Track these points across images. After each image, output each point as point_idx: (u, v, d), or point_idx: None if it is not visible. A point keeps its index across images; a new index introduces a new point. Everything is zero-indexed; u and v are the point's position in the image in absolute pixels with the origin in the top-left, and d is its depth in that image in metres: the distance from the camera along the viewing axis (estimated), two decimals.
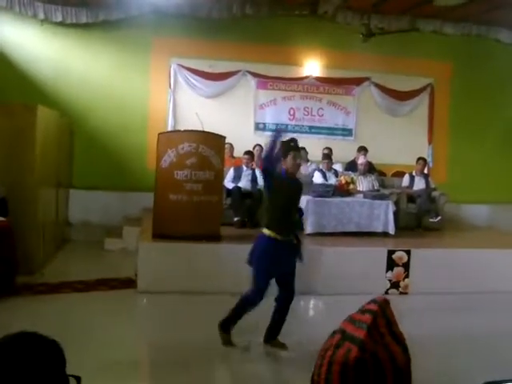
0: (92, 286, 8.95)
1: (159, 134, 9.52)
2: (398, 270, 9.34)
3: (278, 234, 6.15)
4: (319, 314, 8.81)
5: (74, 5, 13.13)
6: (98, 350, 6.21)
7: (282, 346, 6.45)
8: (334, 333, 1.71)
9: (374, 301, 1.74)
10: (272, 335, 6.47)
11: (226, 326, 6.38)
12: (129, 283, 8.88)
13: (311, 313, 8.95)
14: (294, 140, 6.47)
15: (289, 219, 6.37)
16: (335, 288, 8.85)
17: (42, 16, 12.96)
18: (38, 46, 13.33)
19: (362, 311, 1.71)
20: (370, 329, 1.64)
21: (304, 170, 13.04)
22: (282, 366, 6.52)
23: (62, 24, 13.23)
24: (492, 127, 15.51)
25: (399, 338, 1.67)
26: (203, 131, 9.67)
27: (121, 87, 13.74)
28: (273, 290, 6.37)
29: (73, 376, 1.71)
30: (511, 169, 15.61)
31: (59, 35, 13.42)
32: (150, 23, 13.56)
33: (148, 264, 8.63)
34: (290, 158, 6.33)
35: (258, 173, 11.69)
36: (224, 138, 9.69)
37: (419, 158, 13.05)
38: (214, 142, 9.45)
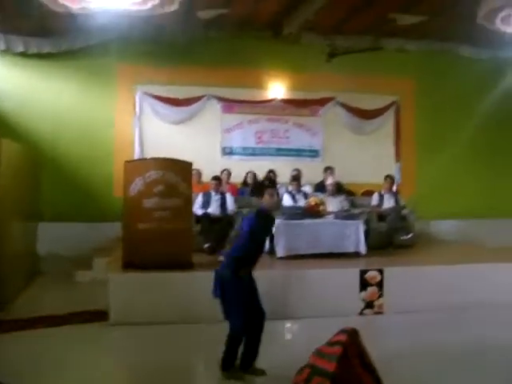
0: (64, 319, 8.74)
1: (126, 162, 9.44)
2: (372, 289, 9.28)
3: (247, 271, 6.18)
4: (294, 338, 8.70)
5: (35, 35, 13.06)
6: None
7: (261, 373, 6.31)
8: (302, 368, 1.66)
9: (342, 331, 1.71)
10: (247, 362, 6.34)
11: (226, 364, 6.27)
12: (101, 315, 8.71)
13: (286, 336, 8.85)
14: (268, 177, 6.52)
15: (260, 253, 6.35)
16: (309, 310, 8.78)
17: (2, 47, 12.87)
18: (0, 78, 13.18)
19: (331, 343, 1.68)
20: (340, 360, 1.61)
21: None
22: None
23: (23, 54, 13.16)
24: (458, 142, 15.63)
25: (370, 368, 1.64)
26: (169, 158, 9.57)
27: (86, 116, 13.69)
28: None
29: None
30: (478, 183, 15.74)
31: (21, 66, 13.36)
32: (113, 51, 13.57)
33: (119, 295, 8.47)
34: (267, 197, 6.37)
35: (227, 197, 11.65)
36: (191, 164, 9.61)
37: (387, 176, 13.05)
38: (181, 168, 9.36)
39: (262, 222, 6.28)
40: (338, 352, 1.48)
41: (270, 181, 13.43)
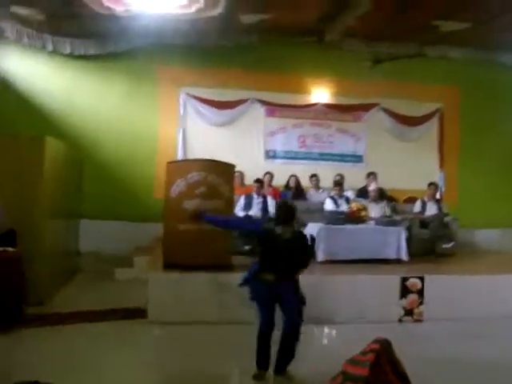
0: (102, 316, 8.83)
1: (168, 163, 9.46)
2: (412, 296, 9.18)
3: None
4: (332, 343, 8.65)
5: (81, 37, 13.24)
6: (108, 382, 6.10)
7: (290, 378, 6.26)
8: (335, 376, 1.64)
9: (375, 341, 1.68)
10: (279, 367, 6.29)
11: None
12: (139, 313, 8.76)
13: (324, 342, 8.80)
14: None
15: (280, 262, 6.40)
16: (348, 316, 8.72)
17: (50, 48, 13.09)
18: (47, 78, 13.48)
19: (364, 352, 1.65)
20: (372, 366, 1.57)
21: (315, 197, 13.01)
22: None
23: (70, 56, 13.34)
24: (502, 151, 15.43)
25: (403, 375, 1.61)
26: (212, 160, 9.57)
27: (130, 117, 13.79)
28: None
29: None
30: None
31: (68, 67, 13.56)
32: (157, 53, 13.66)
33: (158, 294, 8.51)
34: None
35: (269, 200, 11.64)
36: (233, 166, 9.62)
37: (430, 183, 12.95)
38: (224, 170, 9.37)
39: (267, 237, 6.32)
40: (370, 359, 1.47)
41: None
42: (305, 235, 6.49)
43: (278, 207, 6.69)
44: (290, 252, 6.18)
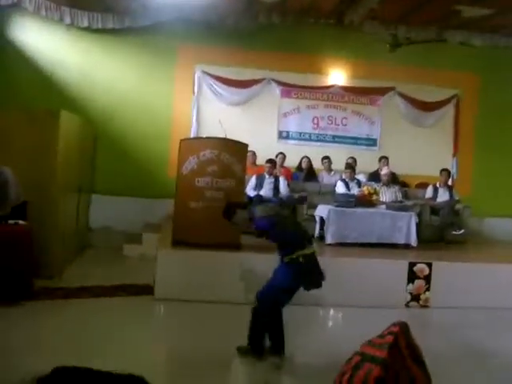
0: (110, 291, 8.92)
1: (181, 140, 9.47)
2: (419, 282, 9.21)
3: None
4: (338, 326, 8.70)
5: (100, 10, 13.20)
6: (114, 356, 6.14)
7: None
8: (351, 358, 1.66)
9: (394, 324, 1.70)
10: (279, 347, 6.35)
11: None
12: (147, 290, 8.82)
13: (330, 324, 8.84)
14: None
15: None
16: (355, 299, 8.74)
17: (68, 21, 13.04)
18: (64, 51, 13.41)
19: (382, 335, 1.67)
20: (391, 348, 1.59)
21: (327, 179, 13.01)
22: (299, 378, 6.39)
23: (87, 29, 13.30)
24: None
25: (420, 359, 1.63)
26: (225, 138, 9.59)
27: (145, 93, 13.77)
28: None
29: None
30: None
31: (85, 40, 13.50)
32: (175, 30, 13.55)
33: (166, 271, 8.57)
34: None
35: (281, 181, 11.66)
36: (246, 145, 9.63)
37: (443, 170, 12.93)
38: (236, 149, 9.38)
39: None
40: (389, 341, 1.49)
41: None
42: None
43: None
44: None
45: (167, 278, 8.54)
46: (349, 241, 10.44)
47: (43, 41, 13.28)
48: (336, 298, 8.70)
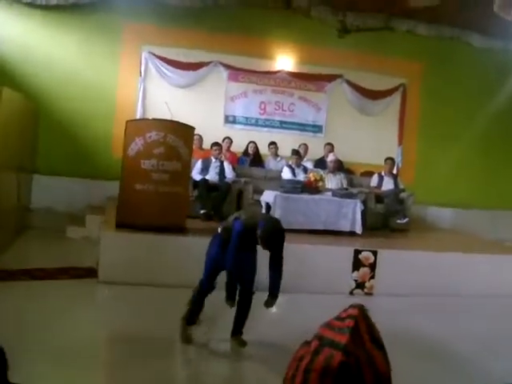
0: (52, 274, 8.71)
1: (127, 121, 9.30)
2: (364, 270, 9.24)
3: None
4: (282, 312, 8.67)
5: None
6: (55, 340, 6.02)
7: (240, 344, 6.33)
8: (308, 342, 1.58)
9: (352, 306, 1.62)
10: (234, 330, 6.36)
11: None
12: (90, 272, 8.67)
13: (273, 310, 8.81)
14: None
15: None
16: (300, 286, 8.68)
17: None
18: (4, 27, 12.98)
19: (341, 318, 1.59)
20: (352, 333, 1.51)
21: (273, 164, 12.98)
22: (240, 362, 6.38)
23: (30, 5, 12.91)
24: (461, 131, 15.50)
25: (380, 343, 1.57)
26: (172, 121, 9.50)
27: (90, 72, 13.47)
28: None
29: None
30: (479, 173, 15.66)
31: (27, 16, 13.09)
32: (121, 9, 13.23)
33: (110, 254, 8.42)
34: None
35: (226, 165, 11.57)
36: (193, 128, 9.54)
37: (387, 158, 13.03)
38: (183, 132, 9.27)
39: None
40: (350, 325, 1.43)
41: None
42: None
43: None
44: None
45: (111, 260, 8.39)
46: (295, 227, 10.35)
47: None
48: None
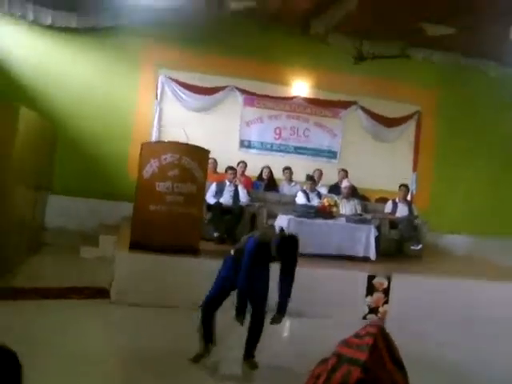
0: (64, 293, 8.70)
1: (142, 143, 9.38)
2: (378, 295, 9.20)
3: None
4: (296, 337, 8.62)
5: (64, 9, 12.97)
6: (65, 360, 5.99)
7: (252, 366, 6.28)
8: (325, 359, 1.57)
9: (371, 324, 1.61)
10: (246, 354, 6.31)
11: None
12: (102, 293, 8.65)
13: (287, 335, 8.76)
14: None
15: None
16: (313, 311, 8.65)
17: (31, 17, 12.80)
18: (26, 48, 13.17)
19: (360, 336, 1.58)
20: (371, 350, 1.50)
21: (287, 189, 12.98)
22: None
23: (50, 27, 13.06)
24: (476, 159, 15.48)
25: (401, 364, 1.55)
26: (187, 144, 9.53)
27: (107, 94, 13.62)
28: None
29: None
30: (493, 201, 15.60)
31: (47, 38, 13.27)
32: (139, 32, 13.42)
33: (123, 274, 8.41)
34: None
35: (240, 189, 11.58)
36: (208, 151, 9.56)
37: (401, 185, 13.01)
38: (198, 154, 9.30)
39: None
40: (369, 342, 1.41)
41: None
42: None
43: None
44: None
45: (124, 281, 8.38)
46: (308, 252, 10.32)
47: (4, 36, 13.01)
48: (293, 308, 8.61)
